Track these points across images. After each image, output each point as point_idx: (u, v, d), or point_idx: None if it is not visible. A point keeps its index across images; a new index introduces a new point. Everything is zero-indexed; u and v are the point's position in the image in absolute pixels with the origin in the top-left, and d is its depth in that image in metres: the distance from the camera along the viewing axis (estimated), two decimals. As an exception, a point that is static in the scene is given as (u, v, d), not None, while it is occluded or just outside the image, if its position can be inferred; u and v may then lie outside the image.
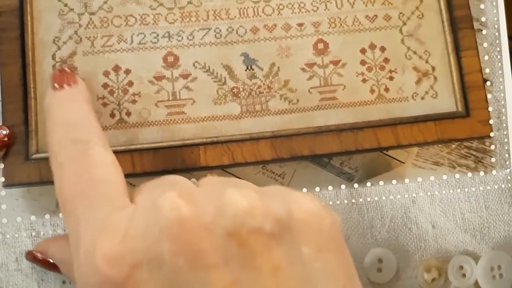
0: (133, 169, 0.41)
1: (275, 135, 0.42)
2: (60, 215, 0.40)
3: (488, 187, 0.44)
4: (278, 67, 0.43)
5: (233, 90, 0.42)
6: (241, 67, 0.42)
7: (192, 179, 0.41)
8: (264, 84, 0.42)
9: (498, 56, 0.45)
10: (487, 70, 0.45)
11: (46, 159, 0.40)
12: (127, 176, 0.40)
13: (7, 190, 0.40)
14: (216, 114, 0.42)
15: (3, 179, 0.40)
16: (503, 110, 0.45)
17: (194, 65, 0.42)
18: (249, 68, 0.43)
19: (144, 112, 0.42)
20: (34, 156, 0.40)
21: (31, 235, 0.40)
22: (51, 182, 0.40)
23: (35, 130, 0.41)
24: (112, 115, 0.41)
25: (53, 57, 0.41)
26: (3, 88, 0.40)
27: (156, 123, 0.42)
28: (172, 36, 0.42)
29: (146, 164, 0.41)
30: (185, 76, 0.42)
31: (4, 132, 0.40)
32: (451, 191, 0.44)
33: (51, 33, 0.41)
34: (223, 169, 0.42)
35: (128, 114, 0.41)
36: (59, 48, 0.41)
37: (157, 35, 0.42)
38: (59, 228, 0.40)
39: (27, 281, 0.40)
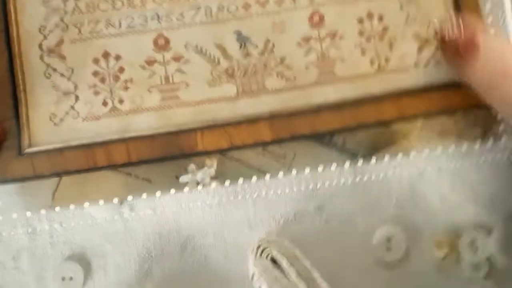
0: (129, 158, 0.40)
1: (274, 115, 0.41)
2: (56, 209, 0.39)
3: (498, 156, 0.42)
4: (273, 44, 0.41)
5: (228, 71, 0.41)
6: (235, 46, 0.41)
7: (191, 165, 0.40)
8: (259, 62, 0.41)
9: (502, 19, 0.43)
10: (492, 31, 0.43)
11: (39, 153, 0.39)
12: (122, 165, 0.40)
13: (1, 186, 0.39)
14: (212, 96, 0.41)
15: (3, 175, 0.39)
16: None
17: (185, 46, 0.41)
18: (243, 46, 0.41)
19: (137, 98, 0.40)
20: (27, 150, 0.39)
21: (28, 231, 0.39)
22: (45, 177, 0.39)
23: (27, 124, 0.39)
24: (105, 103, 0.40)
25: (40, 46, 0.40)
26: (-9, 82, 0.39)
27: (150, 109, 0.40)
28: (161, 17, 0.41)
29: (141, 152, 0.40)
30: (177, 59, 0.41)
31: None
32: (459, 162, 0.42)
33: (36, 22, 0.40)
34: (222, 153, 0.41)
35: (121, 101, 0.40)
36: (45, 37, 0.40)
37: (146, 17, 0.41)
38: (56, 223, 0.39)
39: (24, 278, 0.39)
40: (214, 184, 0.40)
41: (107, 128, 0.40)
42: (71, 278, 0.39)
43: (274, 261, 0.39)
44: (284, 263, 0.38)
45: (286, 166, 0.41)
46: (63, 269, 0.39)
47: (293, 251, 0.39)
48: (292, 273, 0.36)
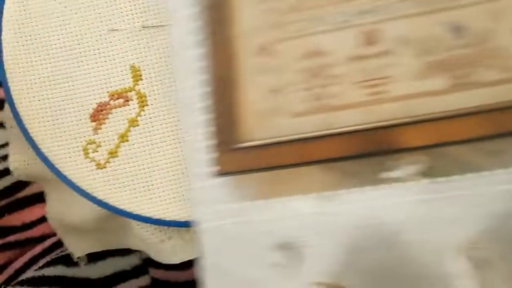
0: (334, 153, 0.40)
1: (489, 108, 0.38)
2: (263, 201, 0.41)
3: None
4: (489, 34, 0.38)
5: (438, 63, 0.39)
6: (447, 37, 0.39)
7: (399, 160, 0.39)
8: (473, 53, 0.39)
9: None
10: None
11: (251, 148, 0.42)
12: (327, 160, 0.40)
13: (215, 179, 0.42)
14: (421, 90, 0.39)
15: (211, 169, 0.42)
16: None
17: (394, 40, 0.40)
18: (455, 37, 0.39)
19: (344, 94, 0.40)
20: (239, 145, 0.42)
21: (236, 221, 0.41)
22: (253, 170, 0.41)
23: (241, 121, 0.42)
24: (312, 100, 0.41)
25: (255, 45, 0.42)
26: (210, 80, 0.42)
27: (356, 105, 0.40)
28: (369, 11, 0.40)
29: (347, 147, 0.40)
30: (385, 53, 0.40)
31: None
32: None
33: (252, 23, 0.42)
34: (430, 149, 0.40)
35: (328, 97, 0.41)
36: (261, 36, 0.41)
37: (353, 12, 0.40)
38: (263, 214, 0.41)
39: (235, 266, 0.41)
40: (422, 180, 0.39)
41: (313, 124, 0.41)
42: (279, 266, 0.41)
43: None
44: (493, 265, 0.36)
45: (502, 163, 0.38)
46: (271, 258, 0.41)
47: (506, 252, 0.36)
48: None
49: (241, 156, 0.41)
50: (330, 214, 0.40)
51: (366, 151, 0.40)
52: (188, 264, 0.54)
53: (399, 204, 0.39)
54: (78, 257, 0.52)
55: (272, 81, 0.41)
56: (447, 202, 0.39)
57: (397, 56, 0.40)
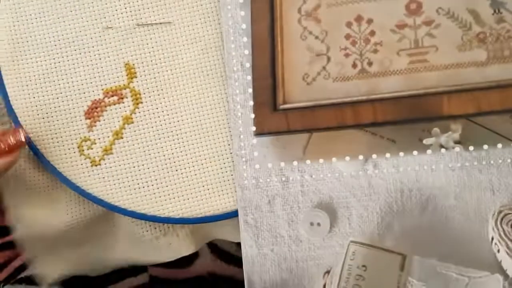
0: (375, 118, 0.42)
1: (525, 81, 0.40)
2: (307, 161, 0.42)
3: None
4: (529, 9, 0.40)
5: (479, 36, 0.41)
6: (488, 11, 0.41)
7: (435, 129, 0.41)
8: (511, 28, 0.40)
9: None
10: None
11: (293, 109, 0.43)
12: (368, 125, 0.42)
13: (258, 138, 0.43)
14: (461, 61, 0.41)
15: (254, 128, 0.43)
16: None
17: (437, 11, 0.41)
18: (497, 11, 0.40)
19: (386, 61, 0.42)
20: (281, 107, 0.43)
21: (281, 180, 0.43)
22: (297, 131, 0.43)
23: (282, 82, 0.43)
24: (354, 65, 0.42)
25: (299, 10, 0.43)
26: (254, 42, 0.43)
27: (397, 72, 0.42)
28: (415, -18, 0.41)
29: (388, 113, 0.41)
30: (428, 23, 0.41)
31: (21, 134, 0.44)
32: None
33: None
34: (468, 118, 0.41)
35: (370, 64, 0.42)
36: (304, 1, 0.43)
37: (400, -18, 0.42)
38: (306, 174, 0.43)
39: (278, 221, 0.43)
40: (458, 148, 0.40)
41: (355, 89, 0.42)
42: (318, 224, 0.42)
43: (515, 228, 0.39)
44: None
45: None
46: (312, 215, 0.42)
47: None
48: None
49: (285, 117, 0.42)
50: (370, 177, 0.42)
51: (407, 118, 0.41)
52: (187, 262, 0.54)
53: (436, 170, 0.41)
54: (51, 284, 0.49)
55: (316, 46, 0.43)
56: (478, 170, 0.41)
57: (439, 27, 0.41)
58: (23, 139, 0.44)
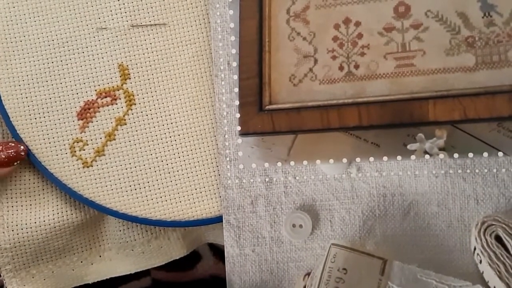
0: (360, 121, 0.41)
1: (513, 89, 0.39)
2: (291, 163, 0.42)
3: None
4: (520, 14, 0.39)
5: (468, 40, 0.40)
6: (478, 14, 0.40)
7: (419, 134, 0.40)
8: (503, 32, 0.39)
9: None
10: None
11: (278, 110, 0.43)
12: (353, 128, 0.42)
13: (243, 138, 0.43)
14: (448, 65, 0.40)
15: (239, 128, 0.43)
16: None
17: (426, 14, 0.41)
18: (487, 15, 0.40)
19: (373, 64, 0.41)
20: (267, 107, 0.43)
21: (265, 180, 0.43)
22: (282, 132, 0.43)
23: (269, 82, 0.43)
24: (341, 68, 0.42)
25: (288, 11, 0.43)
26: (241, 42, 0.43)
27: (384, 75, 0.41)
28: (404, -15, 0.41)
29: (373, 117, 0.41)
30: (416, 26, 0.41)
31: (22, 148, 0.44)
32: None
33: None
34: (453, 125, 0.41)
35: (357, 66, 0.42)
36: (293, 2, 0.43)
37: (389, -15, 0.41)
38: (290, 175, 0.42)
39: (261, 222, 0.43)
40: (442, 155, 0.40)
41: (341, 92, 0.42)
42: (300, 226, 0.42)
43: (498, 239, 0.39)
44: (510, 244, 0.38)
45: (521, 144, 0.39)
46: (294, 217, 0.42)
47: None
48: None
49: (271, 118, 0.42)
50: (354, 180, 0.42)
51: (391, 122, 0.41)
52: (190, 265, 0.55)
53: (419, 176, 0.41)
54: None
55: (304, 47, 0.42)
56: (462, 179, 0.40)
57: (427, 31, 0.40)
58: (23, 154, 0.44)
